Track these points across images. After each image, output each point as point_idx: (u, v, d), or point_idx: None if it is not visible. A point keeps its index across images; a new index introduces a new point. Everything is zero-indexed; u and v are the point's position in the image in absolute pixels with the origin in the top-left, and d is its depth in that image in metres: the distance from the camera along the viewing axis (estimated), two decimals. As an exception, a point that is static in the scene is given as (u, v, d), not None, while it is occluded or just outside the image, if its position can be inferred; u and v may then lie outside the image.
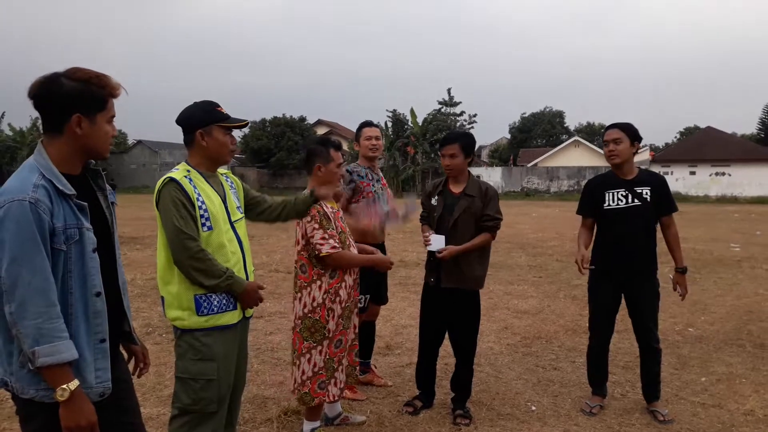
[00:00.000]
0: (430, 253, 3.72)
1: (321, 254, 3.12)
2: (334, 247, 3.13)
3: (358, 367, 3.41)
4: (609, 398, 4.05)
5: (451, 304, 3.76)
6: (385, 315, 5.75)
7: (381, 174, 4.36)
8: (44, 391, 1.75)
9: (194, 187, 2.45)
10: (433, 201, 3.82)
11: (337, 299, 3.22)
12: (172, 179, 2.42)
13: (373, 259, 3.43)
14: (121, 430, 2.05)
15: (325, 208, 3.20)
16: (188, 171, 2.51)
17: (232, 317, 2.54)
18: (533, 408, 3.94)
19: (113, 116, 1.91)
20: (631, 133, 3.75)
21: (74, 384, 1.73)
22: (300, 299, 3.20)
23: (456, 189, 3.76)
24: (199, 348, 2.46)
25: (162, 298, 2.52)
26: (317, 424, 3.45)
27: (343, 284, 3.25)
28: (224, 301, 2.49)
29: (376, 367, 4.54)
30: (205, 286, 2.41)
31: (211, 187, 2.54)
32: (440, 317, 3.84)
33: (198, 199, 2.43)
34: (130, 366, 2.23)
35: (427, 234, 3.73)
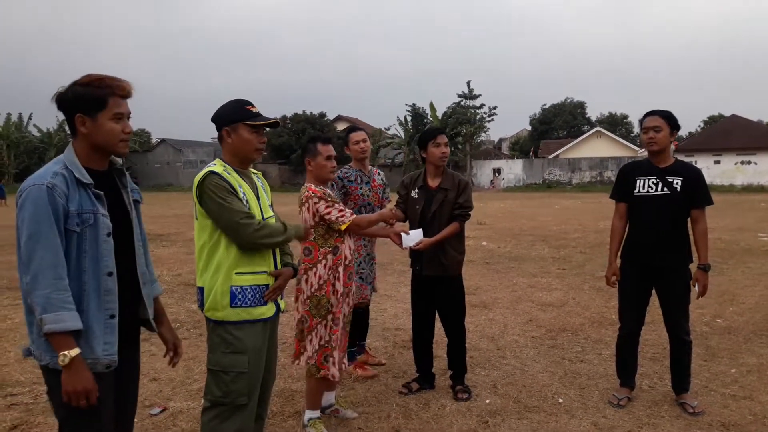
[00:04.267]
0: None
1: (345, 225, 3.30)
2: (352, 214, 3.37)
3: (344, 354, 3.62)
4: (637, 390, 4.01)
5: (436, 290, 4.02)
6: (391, 303, 5.74)
7: (376, 173, 4.56)
8: (56, 359, 1.89)
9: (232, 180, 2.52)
10: (413, 194, 4.06)
11: (337, 275, 3.38)
12: (212, 172, 2.49)
13: (383, 214, 3.80)
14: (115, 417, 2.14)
15: (320, 189, 3.36)
16: (224, 166, 2.57)
17: (265, 311, 2.59)
18: (560, 400, 3.92)
19: (118, 113, 2.03)
20: (671, 121, 3.71)
21: (75, 351, 1.88)
22: (306, 280, 3.35)
23: (433, 183, 4.01)
24: (230, 341, 2.51)
25: (199, 288, 2.58)
26: (317, 414, 3.50)
27: (342, 262, 3.41)
28: (257, 296, 2.55)
29: (370, 349, 4.81)
30: (277, 243, 2.58)
31: (245, 183, 2.60)
32: (428, 302, 4.08)
33: (239, 189, 2.51)
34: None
35: (401, 230, 3.80)
